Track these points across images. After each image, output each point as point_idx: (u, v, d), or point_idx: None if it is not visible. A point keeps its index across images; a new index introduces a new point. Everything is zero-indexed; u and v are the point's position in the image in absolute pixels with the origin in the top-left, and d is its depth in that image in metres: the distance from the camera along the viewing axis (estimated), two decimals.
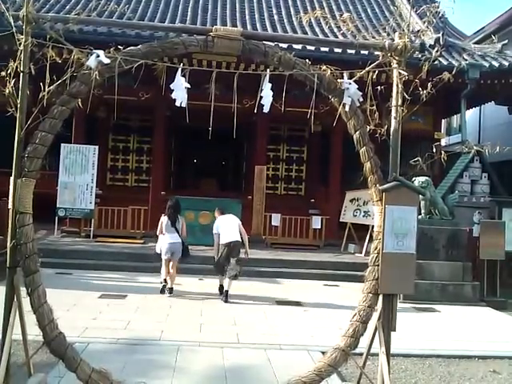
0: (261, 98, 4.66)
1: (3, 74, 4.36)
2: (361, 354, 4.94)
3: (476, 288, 10.39)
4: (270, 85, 4.64)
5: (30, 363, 4.68)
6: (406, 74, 4.64)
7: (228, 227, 9.39)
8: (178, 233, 9.47)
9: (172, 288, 9.40)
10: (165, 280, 9.46)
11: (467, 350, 7.07)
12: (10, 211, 4.40)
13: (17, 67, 4.38)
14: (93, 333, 6.78)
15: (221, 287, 9.46)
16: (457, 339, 7.60)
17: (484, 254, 10.79)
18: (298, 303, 9.31)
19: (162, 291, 9.38)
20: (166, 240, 9.46)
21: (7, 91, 4.32)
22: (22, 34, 4.39)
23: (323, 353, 5.20)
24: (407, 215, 4.69)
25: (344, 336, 4.75)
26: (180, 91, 4.51)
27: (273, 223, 14.78)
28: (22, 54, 4.40)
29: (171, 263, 9.43)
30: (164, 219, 9.55)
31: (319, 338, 7.03)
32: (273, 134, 16.67)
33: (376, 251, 4.74)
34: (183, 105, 4.50)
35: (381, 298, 4.72)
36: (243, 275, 10.59)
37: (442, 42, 13.17)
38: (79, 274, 10.58)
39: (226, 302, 9.03)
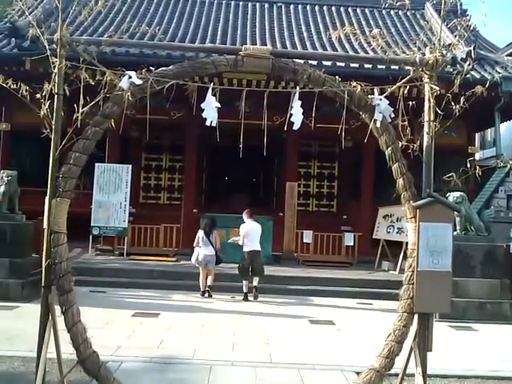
0: (291, 115, 4.67)
1: (38, 96, 4.47)
2: (396, 375, 4.83)
3: None
4: (300, 102, 4.64)
5: (65, 382, 4.72)
6: (437, 88, 4.59)
7: (253, 238, 10.93)
8: (212, 245, 10.83)
9: (211, 286, 10.74)
10: (205, 288, 10.74)
11: (507, 370, 6.83)
12: (45, 231, 4.48)
13: (51, 89, 4.50)
14: (126, 351, 6.79)
15: (245, 294, 10.59)
16: (496, 359, 7.36)
17: None
18: (330, 322, 9.18)
19: (203, 294, 10.71)
20: (201, 252, 10.82)
21: (42, 113, 4.43)
22: (57, 57, 4.50)
23: (358, 373, 5.10)
24: (442, 232, 4.60)
25: (379, 356, 4.66)
26: (210, 110, 4.55)
27: (304, 240, 14.66)
28: (57, 77, 4.52)
29: (207, 270, 10.81)
30: (200, 233, 11.00)
31: (353, 358, 6.89)
32: (303, 150, 16.62)
33: (411, 269, 4.65)
34: (213, 124, 4.54)
35: (416, 317, 4.62)
36: (276, 293, 10.88)
37: (473, 55, 12.98)
38: (113, 292, 10.68)
39: (255, 298, 10.55)
